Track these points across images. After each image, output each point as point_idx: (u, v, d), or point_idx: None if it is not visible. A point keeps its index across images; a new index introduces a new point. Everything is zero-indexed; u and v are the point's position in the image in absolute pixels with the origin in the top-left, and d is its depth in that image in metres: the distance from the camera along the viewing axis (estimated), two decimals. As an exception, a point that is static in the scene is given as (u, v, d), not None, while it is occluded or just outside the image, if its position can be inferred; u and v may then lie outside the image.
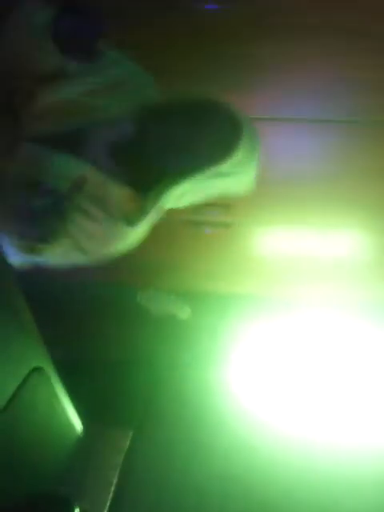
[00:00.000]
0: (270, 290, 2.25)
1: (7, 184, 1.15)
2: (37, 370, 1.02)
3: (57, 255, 1.23)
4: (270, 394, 2.02)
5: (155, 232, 2.14)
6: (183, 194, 1.21)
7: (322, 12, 1.61)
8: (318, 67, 1.71)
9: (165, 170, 1.12)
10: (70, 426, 1.14)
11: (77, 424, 1.18)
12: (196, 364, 2.05)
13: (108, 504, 1.52)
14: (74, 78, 1.17)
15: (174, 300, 2.32)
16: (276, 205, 2.03)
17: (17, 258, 1.21)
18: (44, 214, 1.12)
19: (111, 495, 1.55)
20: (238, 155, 1.10)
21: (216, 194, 1.23)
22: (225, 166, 1.12)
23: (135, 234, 1.28)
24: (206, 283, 2.28)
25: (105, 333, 2.13)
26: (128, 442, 1.71)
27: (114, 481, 1.59)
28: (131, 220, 1.20)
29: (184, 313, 2.30)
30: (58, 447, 1.08)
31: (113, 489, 1.57)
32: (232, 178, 1.18)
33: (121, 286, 2.22)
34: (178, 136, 1.10)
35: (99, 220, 1.18)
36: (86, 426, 1.55)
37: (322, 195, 1.95)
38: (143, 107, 1.14)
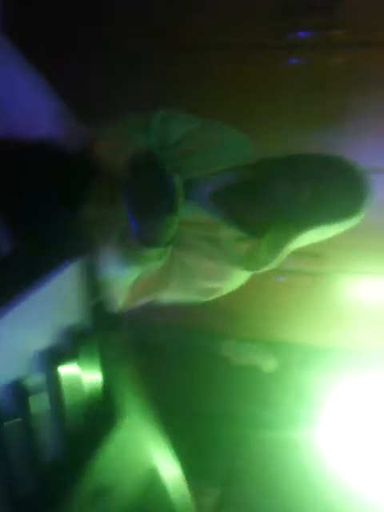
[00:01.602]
0: (358, 343, 2.16)
1: None
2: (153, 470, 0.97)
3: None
4: (360, 457, 1.89)
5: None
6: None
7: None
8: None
9: (286, 219, 1.12)
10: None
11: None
12: (281, 421, 1.97)
13: None
14: None
15: (258, 351, 2.26)
16: (366, 255, 1.98)
17: (118, 272, 1.21)
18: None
19: None
20: (361, 216, 1.11)
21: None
22: (350, 222, 1.11)
23: (243, 277, 1.28)
24: (292, 334, 2.21)
25: (191, 383, 2.11)
26: (213, 500, 1.64)
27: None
28: (249, 266, 1.20)
29: (269, 364, 2.24)
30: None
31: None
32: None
33: (205, 335, 2.21)
34: (304, 189, 1.10)
35: (213, 256, 1.20)
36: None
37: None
38: (260, 161, 1.15)
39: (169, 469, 1.03)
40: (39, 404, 0.76)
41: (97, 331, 0.88)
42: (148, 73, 1.84)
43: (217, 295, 1.27)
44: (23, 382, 0.74)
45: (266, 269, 1.18)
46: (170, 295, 1.24)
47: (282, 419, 1.99)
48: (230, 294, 2.07)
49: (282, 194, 1.10)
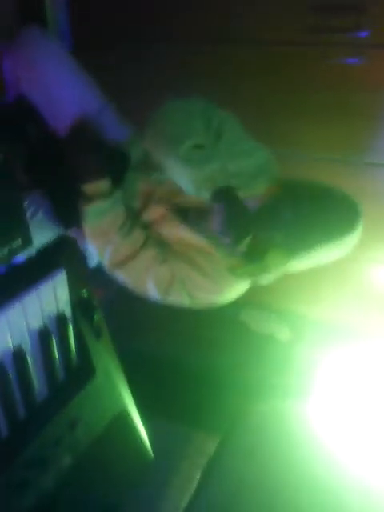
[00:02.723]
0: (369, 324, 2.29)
1: None
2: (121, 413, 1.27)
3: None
4: (351, 430, 2.04)
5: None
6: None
7: None
8: None
9: (277, 244, 1.29)
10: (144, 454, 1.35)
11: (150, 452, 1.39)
12: (288, 386, 2.16)
13: (190, 495, 1.70)
14: None
15: (275, 320, 2.44)
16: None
17: None
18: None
19: (192, 491, 1.73)
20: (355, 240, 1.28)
21: None
22: (340, 251, 1.28)
23: (236, 291, 1.46)
24: (308, 308, 2.37)
25: (205, 339, 2.32)
26: (214, 447, 1.87)
27: (196, 478, 1.77)
28: (236, 273, 1.39)
29: (284, 334, 2.41)
30: (131, 469, 1.32)
31: (194, 485, 1.75)
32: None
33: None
34: (303, 217, 1.25)
35: (208, 274, 1.40)
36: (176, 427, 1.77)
37: None
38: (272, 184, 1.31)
39: (134, 414, 1.29)
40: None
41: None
42: (178, 66, 1.99)
43: (205, 305, 1.46)
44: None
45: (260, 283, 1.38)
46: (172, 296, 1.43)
47: (290, 383, 2.18)
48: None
49: (281, 220, 1.26)
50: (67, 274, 1.15)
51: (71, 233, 1.53)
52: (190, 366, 2.22)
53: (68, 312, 1.18)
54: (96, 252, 1.46)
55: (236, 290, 1.48)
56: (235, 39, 1.96)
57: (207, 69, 1.97)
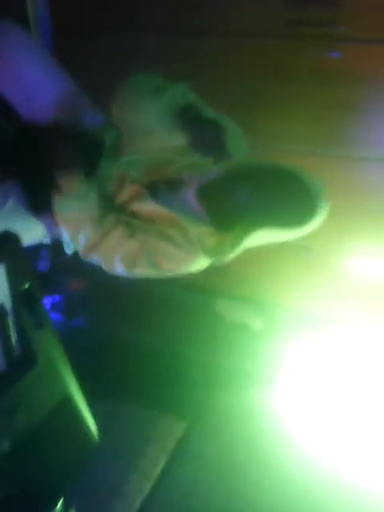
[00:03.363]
0: (341, 314, 2.33)
1: None
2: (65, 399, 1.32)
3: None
4: (317, 419, 2.08)
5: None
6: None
7: None
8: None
9: (247, 218, 1.34)
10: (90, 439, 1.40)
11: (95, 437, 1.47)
12: (257, 374, 2.20)
13: (154, 479, 1.74)
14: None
15: (248, 310, 2.47)
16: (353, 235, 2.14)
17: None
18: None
19: (157, 473, 1.77)
20: (312, 226, 1.32)
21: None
22: (301, 231, 1.32)
23: (204, 262, 1.50)
24: (282, 298, 2.41)
25: (178, 327, 2.36)
26: (181, 431, 1.91)
27: (162, 462, 1.81)
28: (210, 253, 1.42)
29: (256, 324, 2.45)
30: (75, 454, 1.37)
31: (159, 468, 1.79)
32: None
33: (200, 291, 2.43)
34: (266, 196, 1.31)
35: (180, 245, 1.43)
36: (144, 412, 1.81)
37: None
38: (238, 164, 1.36)
39: (78, 400, 1.34)
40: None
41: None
42: (153, 56, 2.02)
43: (171, 275, 1.49)
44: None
45: (225, 259, 1.41)
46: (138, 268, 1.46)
47: (260, 371, 2.22)
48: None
49: (244, 197, 1.31)
50: (7, 267, 1.19)
51: (43, 220, 1.56)
52: (162, 353, 2.26)
53: (8, 304, 1.22)
54: (69, 239, 1.51)
55: (203, 260, 1.51)
56: (211, 31, 1.98)
57: (182, 60, 2.00)
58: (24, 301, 1.24)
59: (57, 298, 2.57)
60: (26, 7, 2.16)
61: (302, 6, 1.81)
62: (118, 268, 1.48)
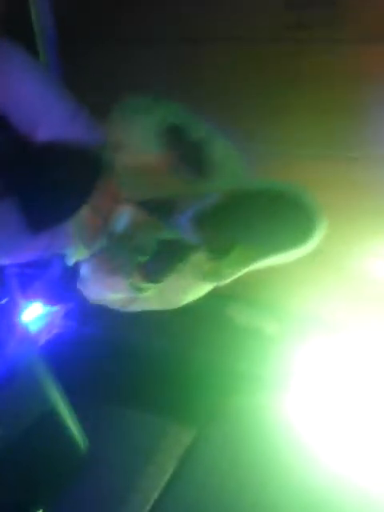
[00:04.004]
0: (353, 318, 2.30)
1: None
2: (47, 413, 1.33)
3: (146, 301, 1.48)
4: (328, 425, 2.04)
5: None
6: None
7: None
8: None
9: (242, 243, 1.30)
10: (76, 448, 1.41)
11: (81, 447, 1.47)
12: (269, 379, 2.18)
13: (162, 487, 1.75)
14: None
15: (261, 314, 2.46)
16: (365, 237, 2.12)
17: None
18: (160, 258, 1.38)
19: (165, 482, 1.78)
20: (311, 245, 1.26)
21: None
22: (297, 253, 1.28)
23: (205, 289, 1.50)
24: (292, 302, 2.39)
25: (188, 333, 2.36)
26: (190, 438, 1.92)
27: (171, 470, 1.82)
28: (207, 278, 1.41)
29: (271, 328, 2.44)
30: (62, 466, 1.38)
31: (167, 477, 1.79)
32: None
33: (212, 296, 2.42)
34: (258, 218, 1.27)
35: (180, 273, 1.40)
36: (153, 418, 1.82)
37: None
38: (232, 189, 1.32)
39: (62, 411, 1.34)
40: None
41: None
42: (153, 64, 2.02)
43: (177, 306, 1.48)
44: None
45: (224, 282, 1.40)
46: (141, 304, 1.47)
47: (272, 378, 2.21)
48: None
49: (238, 223, 1.28)
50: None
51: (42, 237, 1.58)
52: (172, 358, 2.27)
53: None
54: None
55: (204, 286, 1.51)
56: (210, 38, 1.97)
57: (182, 68, 2.00)
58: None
59: (70, 305, 2.60)
60: (30, 17, 2.20)
61: (301, 9, 1.79)
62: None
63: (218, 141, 1.40)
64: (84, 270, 1.52)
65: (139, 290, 1.39)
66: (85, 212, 1.46)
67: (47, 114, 1.54)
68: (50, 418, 1.37)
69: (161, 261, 1.36)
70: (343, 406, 2.06)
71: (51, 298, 1.94)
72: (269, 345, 2.33)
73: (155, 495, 1.71)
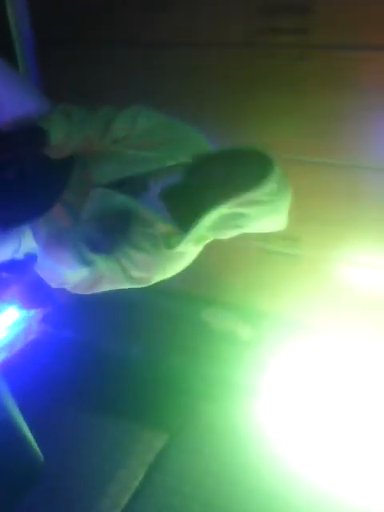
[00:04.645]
0: (329, 322, 2.31)
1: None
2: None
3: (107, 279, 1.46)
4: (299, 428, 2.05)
5: (229, 255, 2.34)
6: (223, 223, 1.37)
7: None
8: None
9: (204, 203, 1.31)
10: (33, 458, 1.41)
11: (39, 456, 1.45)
12: (243, 384, 2.18)
13: (132, 492, 1.73)
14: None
15: (236, 319, 2.45)
16: (341, 243, 2.12)
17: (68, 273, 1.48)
18: (111, 231, 1.38)
19: (135, 487, 1.76)
20: (267, 187, 1.27)
21: (255, 228, 1.39)
22: (255, 195, 1.28)
23: (176, 264, 1.48)
24: (268, 306, 2.39)
25: (163, 337, 2.35)
26: (162, 443, 1.90)
27: (142, 475, 1.80)
28: (170, 243, 1.40)
29: (245, 332, 2.43)
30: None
31: (137, 482, 1.78)
32: (262, 209, 1.32)
33: (188, 300, 2.42)
34: (216, 174, 1.29)
35: (147, 250, 1.39)
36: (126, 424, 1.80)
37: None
38: (193, 157, 1.35)
39: (18, 422, 1.33)
40: None
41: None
42: (125, 67, 2.03)
43: (146, 283, 1.46)
44: None
45: (181, 245, 1.40)
46: (106, 285, 1.46)
47: (247, 382, 2.20)
48: (218, 263, 2.30)
49: (199, 183, 1.31)
50: None
51: (14, 235, 1.57)
52: (148, 364, 2.25)
53: None
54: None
55: (173, 267, 1.49)
56: (184, 42, 1.98)
57: (156, 70, 2.01)
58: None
59: (46, 310, 2.59)
60: (7, 17, 2.20)
61: (275, 14, 1.81)
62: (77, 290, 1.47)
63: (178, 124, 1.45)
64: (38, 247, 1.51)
65: (89, 262, 1.38)
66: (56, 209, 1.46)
67: (16, 108, 1.54)
68: (5, 429, 1.35)
69: (109, 232, 1.36)
70: (315, 411, 2.05)
71: (28, 301, 1.91)
72: (243, 350, 2.33)
73: (125, 500, 1.70)
